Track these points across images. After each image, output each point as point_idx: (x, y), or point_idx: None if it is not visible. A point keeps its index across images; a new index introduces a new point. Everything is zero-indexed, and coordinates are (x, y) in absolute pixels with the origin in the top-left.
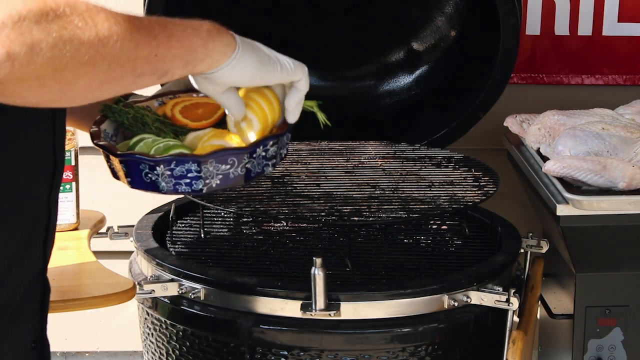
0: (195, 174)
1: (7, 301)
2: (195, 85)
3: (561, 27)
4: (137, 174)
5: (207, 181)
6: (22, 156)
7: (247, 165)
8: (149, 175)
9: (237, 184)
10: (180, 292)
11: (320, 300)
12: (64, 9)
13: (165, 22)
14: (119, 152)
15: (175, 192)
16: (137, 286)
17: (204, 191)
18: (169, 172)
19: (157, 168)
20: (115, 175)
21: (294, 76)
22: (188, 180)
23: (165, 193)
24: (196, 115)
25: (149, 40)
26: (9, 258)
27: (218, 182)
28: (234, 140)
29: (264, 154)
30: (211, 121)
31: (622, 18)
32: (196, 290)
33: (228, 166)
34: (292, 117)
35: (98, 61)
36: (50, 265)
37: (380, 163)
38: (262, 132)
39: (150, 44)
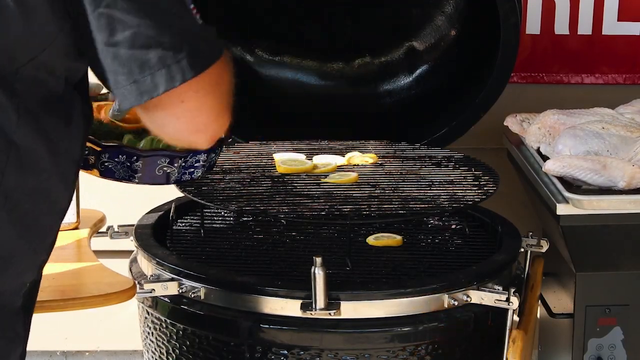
0: (202, 162)
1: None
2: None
3: (561, 26)
4: (153, 168)
5: (204, 169)
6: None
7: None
8: (164, 168)
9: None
10: (180, 291)
11: (320, 299)
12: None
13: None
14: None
15: (178, 181)
16: (137, 285)
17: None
18: (183, 164)
19: (180, 160)
20: (114, 175)
21: None
22: (192, 170)
23: (172, 183)
24: (128, 120)
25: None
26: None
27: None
28: None
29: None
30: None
31: (622, 17)
32: (196, 290)
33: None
34: None
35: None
36: (50, 265)
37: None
38: None
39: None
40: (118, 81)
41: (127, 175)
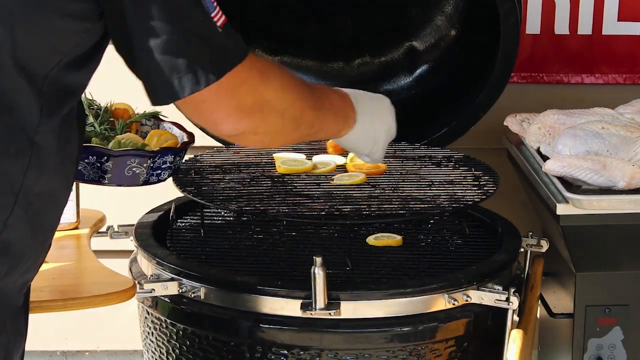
0: (169, 164)
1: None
2: None
3: (561, 26)
4: (122, 169)
5: (171, 171)
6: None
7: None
8: (134, 168)
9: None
10: (180, 291)
11: (320, 299)
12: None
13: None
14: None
15: (147, 182)
16: (137, 285)
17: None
18: (151, 164)
19: (148, 161)
20: (83, 177)
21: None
22: (159, 172)
23: (140, 185)
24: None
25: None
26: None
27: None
28: None
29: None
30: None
31: (622, 17)
32: (196, 289)
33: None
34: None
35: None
36: (50, 265)
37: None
38: None
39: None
40: (151, 81)
41: (96, 176)
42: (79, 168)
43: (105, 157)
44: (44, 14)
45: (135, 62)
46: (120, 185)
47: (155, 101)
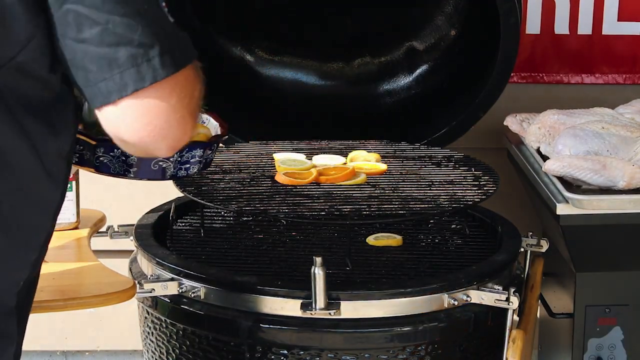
0: (198, 158)
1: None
2: None
3: (561, 26)
4: (148, 163)
5: (200, 165)
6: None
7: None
8: (160, 162)
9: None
10: (180, 291)
11: (320, 299)
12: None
13: None
14: None
15: (174, 176)
16: (137, 285)
17: (196, 174)
18: (179, 158)
19: (175, 155)
20: (109, 170)
21: None
22: (188, 165)
23: (167, 179)
24: None
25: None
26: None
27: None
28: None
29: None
30: None
31: (622, 17)
32: (196, 289)
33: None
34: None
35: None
36: (50, 265)
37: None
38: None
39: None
40: (88, 79)
41: (122, 170)
42: (104, 161)
43: None
44: None
45: (66, 57)
46: (147, 180)
47: (93, 101)
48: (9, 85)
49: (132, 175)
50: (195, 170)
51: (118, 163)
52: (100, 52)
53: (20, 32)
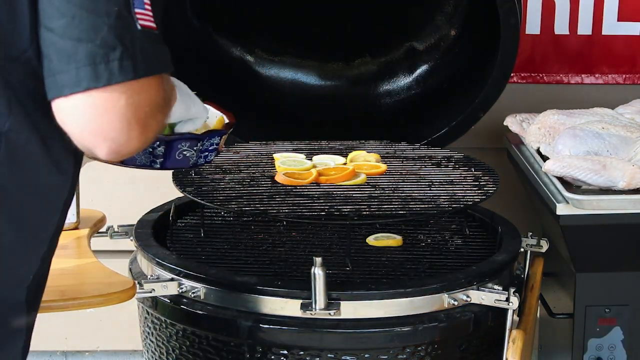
0: (215, 146)
1: None
2: None
3: (561, 26)
4: (174, 153)
5: (216, 153)
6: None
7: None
8: (184, 151)
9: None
10: (180, 291)
11: (320, 299)
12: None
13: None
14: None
15: (196, 165)
16: (137, 285)
17: (211, 162)
18: (200, 147)
19: (198, 144)
20: (135, 162)
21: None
22: (207, 153)
23: (191, 167)
24: None
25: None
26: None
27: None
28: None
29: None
30: None
31: (621, 17)
32: (196, 290)
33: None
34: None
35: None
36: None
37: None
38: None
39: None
40: (49, 69)
41: (148, 161)
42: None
43: (157, 142)
44: None
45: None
46: (172, 169)
47: (49, 92)
48: (20, 79)
49: (157, 166)
50: (212, 157)
51: (145, 155)
52: (62, 44)
53: (27, 26)
